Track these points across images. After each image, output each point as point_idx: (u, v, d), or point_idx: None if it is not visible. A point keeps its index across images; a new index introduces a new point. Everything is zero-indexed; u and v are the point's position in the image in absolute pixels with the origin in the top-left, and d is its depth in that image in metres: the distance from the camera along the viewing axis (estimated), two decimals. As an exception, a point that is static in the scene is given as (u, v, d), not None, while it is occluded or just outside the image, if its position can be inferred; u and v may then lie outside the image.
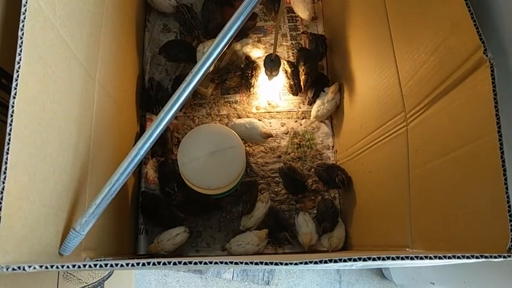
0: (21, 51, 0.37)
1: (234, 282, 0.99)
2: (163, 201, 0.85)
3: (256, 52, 0.94)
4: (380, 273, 1.00)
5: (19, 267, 0.34)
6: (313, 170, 0.91)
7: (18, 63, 0.37)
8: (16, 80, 0.37)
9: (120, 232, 0.75)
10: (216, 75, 0.91)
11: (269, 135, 0.90)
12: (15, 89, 0.37)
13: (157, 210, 0.84)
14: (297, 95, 0.93)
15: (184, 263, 0.34)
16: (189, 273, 0.98)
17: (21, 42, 0.37)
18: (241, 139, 0.87)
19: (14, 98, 0.36)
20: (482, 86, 0.43)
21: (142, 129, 0.92)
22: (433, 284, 0.75)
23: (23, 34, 0.38)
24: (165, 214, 0.84)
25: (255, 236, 0.81)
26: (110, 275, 0.77)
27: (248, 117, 0.95)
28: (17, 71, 0.37)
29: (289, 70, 0.91)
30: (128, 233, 0.82)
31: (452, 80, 0.49)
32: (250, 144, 0.93)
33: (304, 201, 0.90)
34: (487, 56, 0.43)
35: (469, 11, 0.45)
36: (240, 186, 0.86)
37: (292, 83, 0.92)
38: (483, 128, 0.43)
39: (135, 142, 0.87)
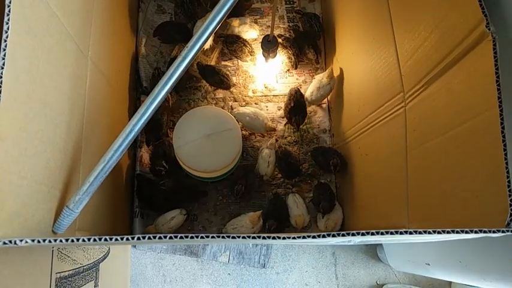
0: (8, 20, 0.36)
1: (230, 265, 0.99)
2: (158, 184, 0.84)
3: (252, 33, 0.93)
4: (375, 256, 1.01)
5: (10, 241, 0.33)
6: (309, 153, 0.90)
7: (6, 32, 0.36)
8: (4, 49, 0.35)
9: (115, 214, 0.74)
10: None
11: (273, 129, 0.89)
12: (3, 59, 0.35)
13: (152, 194, 0.83)
14: (296, 68, 0.93)
15: (181, 237, 0.34)
16: (185, 256, 0.98)
17: (9, 11, 0.36)
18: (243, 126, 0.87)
19: (2, 68, 0.35)
20: (484, 61, 0.43)
21: (136, 112, 0.91)
22: (429, 264, 0.75)
23: (10, 2, 0.36)
24: (160, 198, 0.83)
25: (248, 219, 0.80)
26: (105, 257, 0.77)
27: (244, 100, 0.94)
28: (5, 41, 0.36)
29: (285, 43, 0.92)
30: (123, 216, 0.81)
31: (453, 56, 0.48)
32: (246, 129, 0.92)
33: (300, 185, 0.90)
34: (489, 29, 0.42)
35: (471, -16, 0.44)
36: (236, 170, 0.85)
37: (290, 52, 0.91)
38: (484, 103, 0.43)
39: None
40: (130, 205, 0.86)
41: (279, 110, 0.94)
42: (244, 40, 0.91)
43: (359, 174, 0.79)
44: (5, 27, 0.36)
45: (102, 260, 0.75)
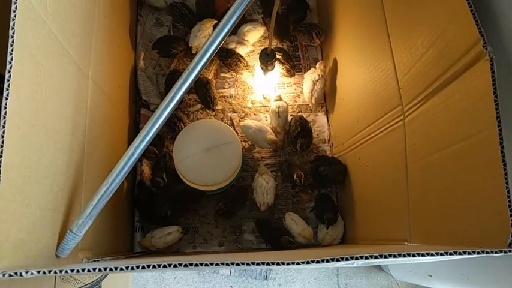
0: (12, 50, 0.36)
1: (232, 278, 0.99)
2: (159, 196, 0.84)
3: (244, 49, 0.93)
4: (377, 266, 1.01)
5: (16, 273, 0.33)
6: (309, 163, 0.90)
7: (10, 63, 0.36)
8: (8, 80, 0.36)
9: (116, 230, 0.74)
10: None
11: (274, 142, 0.89)
12: (8, 89, 0.35)
13: (151, 204, 0.83)
14: (294, 75, 0.95)
15: (185, 265, 0.34)
16: (187, 269, 0.98)
17: (13, 41, 0.36)
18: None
19: (7, 99, 0.35)
20: (482, 79, 0.43)
21: (136, 126, 0.91)
22: (431, 276, 0.75)
23: (14, 33, 0.37)
24: (160, 208, 0.83)
25: (263, 178, 0.83)
26: (106, 274, 0.77)
27: (243, 111, 0.94)
28: (9, 71, 0.36)
29: (281, 57, 0.92)
30: (124, 231, 0.81)
31: (450, 73, 0.49)
32: (246, 139, 0.92)
33: (300, 195, 0.90)
34: (486, 49, 0.42)
35: (468, 3, 0.45)
36: (229, 189, 0.86)
37: (288, 66, 0.93)
38: (483, 122, 0.43)
39: (129, 138, 0.87)
40: (131, 220, 0.86)
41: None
42: (239, 55, 0.92)
43: (359, 185, 0.80)
44: (8, 58, 0.36)
45: (104, 278, 0.75)
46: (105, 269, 0.34)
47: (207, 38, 0.87)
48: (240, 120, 0.93)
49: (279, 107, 0.88)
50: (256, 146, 0.92)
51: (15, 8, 0.38)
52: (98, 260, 0.57)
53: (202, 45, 0.80)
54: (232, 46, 0.92)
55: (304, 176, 0.83)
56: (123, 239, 0.80)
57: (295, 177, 0.82)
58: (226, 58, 0.91)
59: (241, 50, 0.93)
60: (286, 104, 0.89)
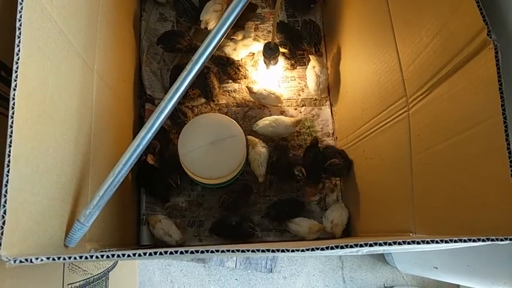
0: (19, 42, 0.37)
1: (237, 271, 1.00)
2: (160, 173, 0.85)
3: (257, 46, 0.93)
4: (382, 258, 1.01)
5: (26, 260, 0.34)
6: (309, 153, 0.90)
7: (17, 54, 0.36)
8: (16, 71, 0.36)
9: (123, 223, 0.75)
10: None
11: (299, 122, 0.88)
12: (15, 81, 0.36)
13: (154, 181, 0.85)
14: (296, 68, 0.96)
15: (191, 252, 0.34)
16: (193, 262, 0.99)
17: (19, 34, 0.37)
18: (271, 138, 0.89)
19: (15, 90, 0.36)
20: (486, 68, 0.43)
21: (141, 120, 0.91)
22: (436, 268, 0.75)
23: (20, 25, 0.37)
24: (161, 183, 0.85)
25: (256, 151, 0.84)
26: (114, 265, 0.78)
27: (247, 105, 0.94)
28: (17, 63, 0.36)
29: (286, 51, 0.92)
30: (130, 224, 0.82)
31: (455, 63, 0.49)
32: (250, 133, 0.92)
33: (305, 189, 0.90)
34: (491, 37, 0.42)
35: (472, -8, 0.45)
36: (235, 184, 0.86)
37: (293, 61, 0.94)
38: (487, 110, 0.43)
39: (135, 133, 0.87)
40: (137, 213, 0.86)
41: (281, 114, 0.94)
42: (239, 65, 0.92)
43: (364, 178, 0.80)
44: (16, 50, 0.36)
45: (112, 269, 0.75)
46: (113, 255, 0.34)
47: (219, 14, 0.88)
48: (243, 115, 0.93)
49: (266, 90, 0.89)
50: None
51: (22, 1, 0.38)
52: (107, 251, 0.58)
53: (211, 20, 0.82)
54: (249, 43, 0.93)
55: (304, 169, 0.83)
56: (130, 231, 0.81)
57: (296, 172, 0.83)
58: (225, 67, 0.91)
59: (255, 47, 0.93)
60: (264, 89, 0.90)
